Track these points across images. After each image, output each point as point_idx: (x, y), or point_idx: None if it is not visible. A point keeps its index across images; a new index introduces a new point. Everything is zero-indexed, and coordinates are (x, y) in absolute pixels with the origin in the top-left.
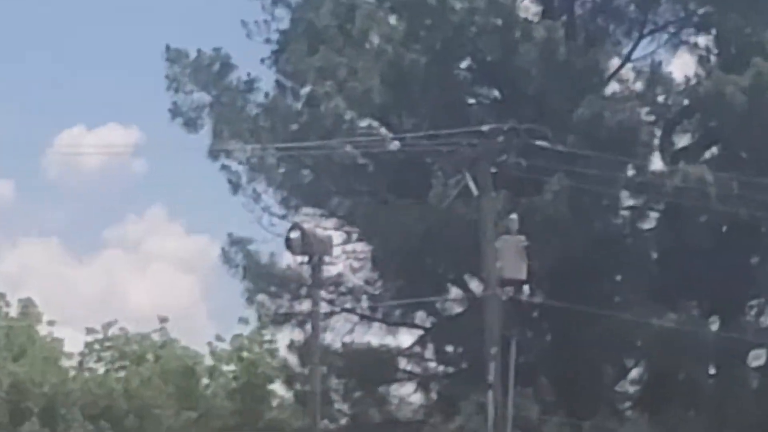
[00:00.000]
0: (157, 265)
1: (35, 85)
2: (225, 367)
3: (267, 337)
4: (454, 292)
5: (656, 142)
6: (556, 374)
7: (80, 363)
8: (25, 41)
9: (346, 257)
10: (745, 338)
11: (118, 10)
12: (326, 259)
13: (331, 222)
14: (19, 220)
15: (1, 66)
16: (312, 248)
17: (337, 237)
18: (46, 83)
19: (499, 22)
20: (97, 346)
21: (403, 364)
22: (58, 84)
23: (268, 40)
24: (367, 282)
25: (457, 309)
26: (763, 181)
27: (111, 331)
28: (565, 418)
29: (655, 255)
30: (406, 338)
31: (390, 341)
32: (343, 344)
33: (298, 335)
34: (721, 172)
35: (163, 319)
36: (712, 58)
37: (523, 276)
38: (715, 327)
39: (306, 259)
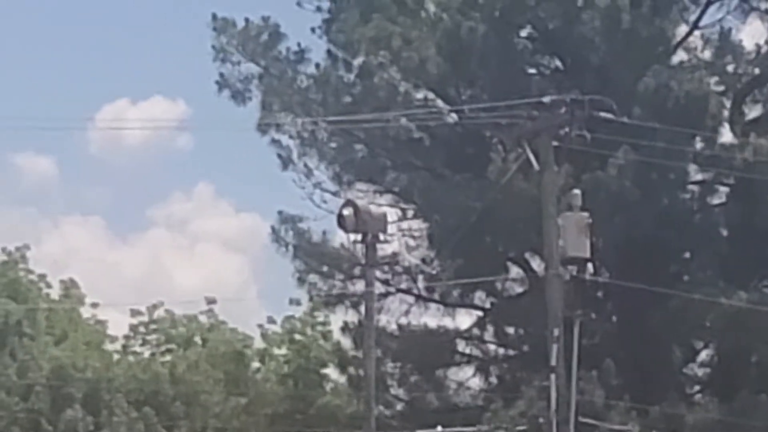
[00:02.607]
0: (205, 245)
1: (76, 58)
2: (276, 351)
3: (319, 319)
4: (515, 271)
5: (725, 113)
6: (621, 357)
7: (124, 347)
8: (65, 11)
9: (402, 235)
10: None
11: None
12: (381, 237)
13: (385, 198)
14: (61, 199)
15: (41, 37)
16: (366, 226)
17: (392, 214)
18: (88, 55)
19: None
20: (142, 329)
21: (461, 346)
22: (101, 56)
23: (319, 9)
24: (423, 261)
25: (518, 289)
26: None
27: (156, 314)
28: (632, 403)
29: (724, 232)
30: (464, 320)
31: (448, 323)
32: (399, 326)
33: (351, 317)
34: None
35: (211, 301)
36: None
37: (587, 254)
38: None
39: (359, 237)
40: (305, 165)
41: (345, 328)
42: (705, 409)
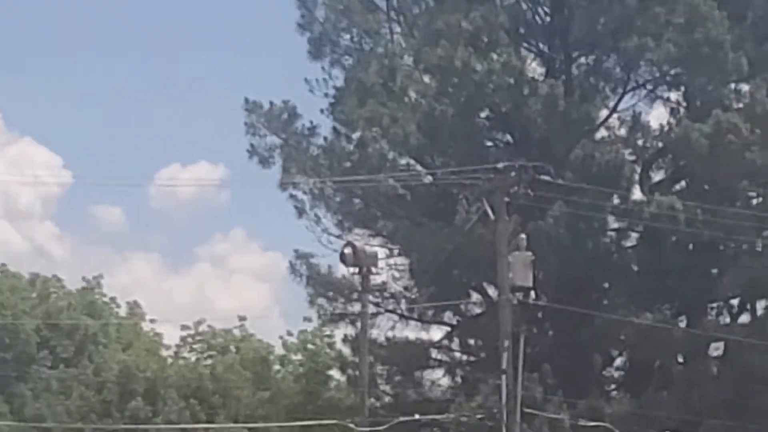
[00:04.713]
0: (239, 276)
1: (137, 126)
2: (293, 357)
3: (326, 333)
4: (475, 296)
5: (636, 176)
6: (556, 363)
7: (176, 353)
8: (132, 89)
9: (389, 269)
10: (706, 334)
11: (201, 70)
12: (373, 270)
13: (377, 240)
14: (128, 240)
15: (108, 108)
16: (361, 261)
17: (382, 252)
18: (150, 128)
19: (512, 80)
20: (189, 340)
21: (434, 354)
22: (159, 130)
23: (326, 95)
24: (405, 288)
25: (477, 310)
26: (721, 209)
27: (201, 328)
28: (564, 398)
29: (635, 267)
30: (436, 333)
31: (423, 336)
32: (387, 338)
33: (350, 331)
34: (688, 201)
35: (242, 318)
36: (681, 110)
37: (530, 284)
38: (683, 325)
39: (357, 270)
40: (315, 214)
41: (345, 339)
42: (620, 402)
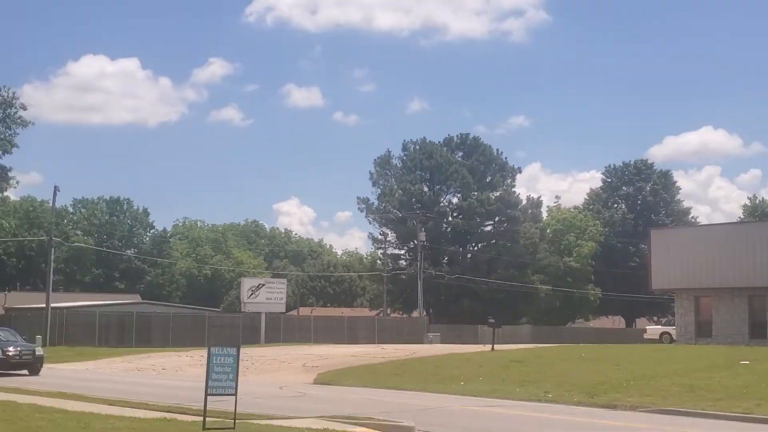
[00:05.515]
0: (355, 241)
1: (319, 198)
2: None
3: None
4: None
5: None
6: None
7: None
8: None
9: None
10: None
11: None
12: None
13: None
14: (322, 234)
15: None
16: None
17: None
18: (325, 199)
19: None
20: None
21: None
22: (332, 196)
23: (380, 193)
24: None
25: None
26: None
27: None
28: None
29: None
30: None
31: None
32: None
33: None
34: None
35: (351, 254)
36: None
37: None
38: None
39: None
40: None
41: None
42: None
